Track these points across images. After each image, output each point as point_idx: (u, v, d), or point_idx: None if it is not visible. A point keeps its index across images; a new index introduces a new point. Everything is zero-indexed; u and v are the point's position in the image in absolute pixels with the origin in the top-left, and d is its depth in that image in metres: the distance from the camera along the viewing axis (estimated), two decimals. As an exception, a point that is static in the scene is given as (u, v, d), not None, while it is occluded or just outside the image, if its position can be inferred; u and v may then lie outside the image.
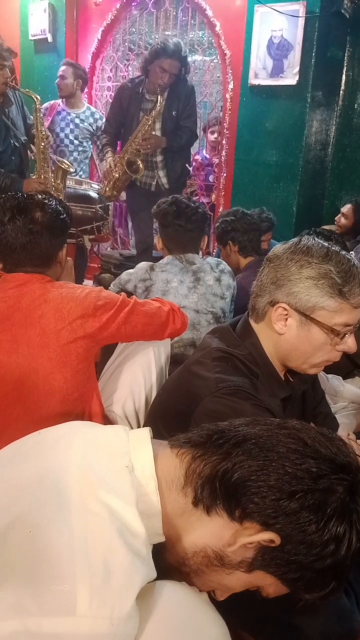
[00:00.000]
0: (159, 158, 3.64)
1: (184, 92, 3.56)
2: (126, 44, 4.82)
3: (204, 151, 4.93)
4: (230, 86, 4.11)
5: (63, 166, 3.31)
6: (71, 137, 4.17)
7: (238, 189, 4.24)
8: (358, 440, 1.34)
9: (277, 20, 3.69)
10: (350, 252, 1.32)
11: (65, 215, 1.58)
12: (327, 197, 4.25)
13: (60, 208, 1.57)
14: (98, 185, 3.80)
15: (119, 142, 3.78)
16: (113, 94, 4.62)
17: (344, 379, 1.99)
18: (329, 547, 0.72)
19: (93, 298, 1.47)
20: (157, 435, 0.89)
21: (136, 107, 3.59)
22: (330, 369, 1.40)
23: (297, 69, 3.68)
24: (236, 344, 1.26)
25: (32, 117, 3.39)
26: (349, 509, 0.74)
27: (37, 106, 3.26)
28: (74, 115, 4.17)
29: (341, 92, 4.05)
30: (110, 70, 4.91)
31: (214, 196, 4.61)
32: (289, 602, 0.81)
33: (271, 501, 0.74)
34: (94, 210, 3.53)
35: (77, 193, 3.53)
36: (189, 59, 3.77)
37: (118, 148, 3.76)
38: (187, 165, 3.83)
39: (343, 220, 3.81)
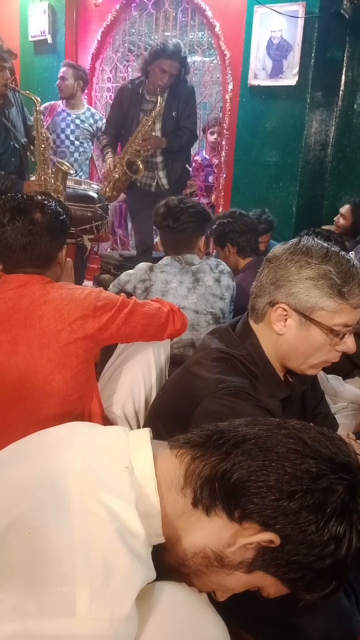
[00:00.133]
0: (159, 159, 3.64)
1: (184, 92, 3.57)
2: (126, 44, 4.82)
3: (204, 152, 4.93)
4: (230, 87, 4.11)
5: (63, 168, 3.32)
6: (72, 137, 4.18)
7: (238, 189, 4.24)
8: (358, 440, 1.35)
9: (277, 20, 3.69)
10: (350, 253, 1.32)
11: (64, 216, 1.58)
12: (327, 198, 4.26)
13: (59, 209, 1.57)
14: (97, 185, 3.81)
15: (119, 144, 3.78)
16: (113, 95, 4.63)
17: (343, 379, 1.99)
18: (329, 547, 0.72)
19: (93, 299, 1.47)
20: (157, 435, 0.89)
21: (136, 108, 3.59)
22: (329, 369, 1.40)
23: (296, 69, 3.68)
24: (236, 345, 1.26)
25: (32, 118, 3.40)
26: (348, 509, 0.73)
27: (38, 108, 3.26)
28: (74, 116, 4.18)
29: (341, 92, 4.05)
30: (110, 71, 4.92)
31: (213, 197, 4.61)
32: (289, 602, 0.81)
33: (271, 501, 0.73)
34: (93, 210, 3.53)
35: (76, 193, 3.53)
36: (189, 59, 3.77)
37: (118, 149, 3.76)
38: (187, 165, 3.83)
39: (342, 221, 3.81)
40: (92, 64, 4.87)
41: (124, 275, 2.21)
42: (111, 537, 0.70)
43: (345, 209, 3.81)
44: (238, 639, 0.94)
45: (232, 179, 4.28)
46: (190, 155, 4.05)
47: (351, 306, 1.16)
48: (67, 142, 4.17)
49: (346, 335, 1.19)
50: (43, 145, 3.30)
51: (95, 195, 3.60)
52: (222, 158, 4.34)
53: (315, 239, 1.22)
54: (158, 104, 3.46)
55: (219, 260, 2.30)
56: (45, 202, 1.54)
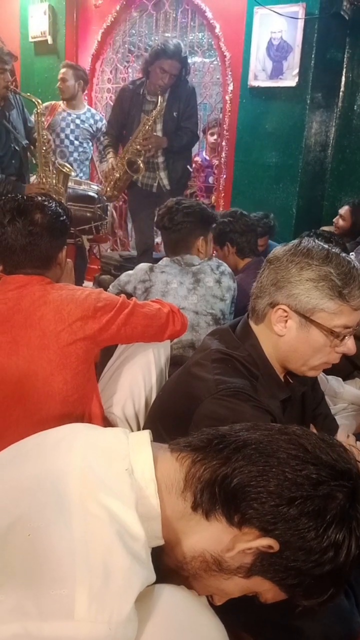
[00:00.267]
0: (161, 159, 3.64)
1: (185, 93, 3.57)
2: (126, 45, 4.82)
3: (204, 153, 4.94)
4: (230, 88, 4.11)
5: (64, 170, 3.32)
6: (71, 137, 4.18)
7: (238, 190, 4.24)
8: (358, 443, 1.34)
9: (277, 22, 3.69)
10: (350, 254, 1.32)
11: (65, 217, 1.58)
12: (327, 199, 4.26)
13: (60, 210, 1.57)
14: (97, 185, 3.81)
15: (120, 145, 3.78)
16: (113, 96, 4.64)
17: (343, 380, 1.99)
18: (328, 553, 0.72)
19: (93, 300, 1.47)
20: (157, 436, 0.89)
21: (137, 108, 3.59)
22: (329, 370, 1.40)
23: (296, 70, 3.68)
24: (236, 346, 1.26)
25: (32, 120, 3.40)
26: (348, 516, 0.73)
27: (38, 110, 3.26)
28: (75, 116, 4.17)
29: (341, 93, 4.05)
30: (110, 72, 4.92)
31: (213, 198, 4.61)
32: (289, 604, 0.81)
33: (270, 507, 0.73)
34: (92, 210, 3.53)
35: (75, 193, 3.53)
36: (189, 60, 3.77)
37: (119, 151, 3.77)
38: (188, 166, 3.83)
39: (341, 222, 3.81)
40: (92, 65, 4.87)
41: (124, 276, 2.21)
42: (111, 538, 0.70)
43: (344, 210, 3.81)
44: (238, 640, 0.94)
45: (232, 180, 4.28)
46: (191, 155, 4.06)
47: (351, 308, 1.16)
48: (66, 142, 4.17)
49: (346, 337, 1.19)
50: (44, 148, 3.30)
51: (95, 196, 3.60)
52: (222, 159, 4.34)
53: (316, 241, 1.22)
54: (159, 104, 3.46)
55: (220, 261, 2.30)
56: (46, 202, 1.54)
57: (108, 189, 3.65)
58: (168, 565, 0.81)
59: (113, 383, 1.65)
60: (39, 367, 1.41)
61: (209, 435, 0.82)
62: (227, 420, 0.88)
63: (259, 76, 3.86)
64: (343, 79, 4.03)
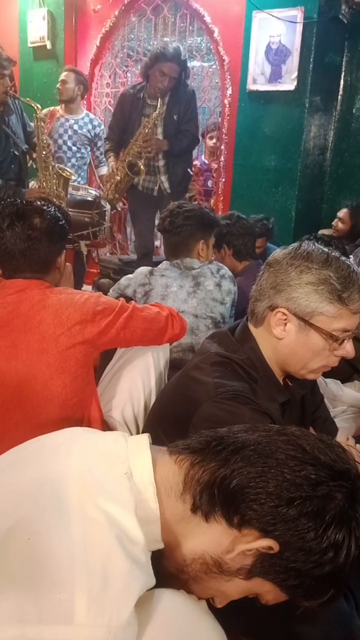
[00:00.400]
0: (161, 163, 3.65)
1: (185, 96, 3.58)
2: (125, 50, 4.84)
3: (203, 156, 4.94)
4: (229, 92, 4.12)
5: (64, 174, 3.32)
6: (69, 143, 4.19)
7: (237, 194, 4.25)
8: (357, 445, 1.34)
9: (275, 26, 3.71)
10: (349, 257, 1.32)
11: (64, 221, 1.59)
12: (326, 202, 4.27)
13: (59, 214, 1.57)
14: (95, 190, 3.81)
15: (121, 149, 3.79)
16: (112, 101, 4.65)
17: (342, 383, 1.99)
18: (328, 554, 0.72)
19: (92, 303, 1.47)
20: (156, 440, 0.89)
21: (138, 113, 3.60)
22: (329, 373, 1.40)
23: (295, 74, 3.69)
24: (235, 349, 1.26)
25: (32, 124, 3.40)
26: (348, 516, 0.73)
27: (38, 115, 3.27)
28: (73, 121, 4.19)
29: (339, 97, 4.07)
30: (109, 77, 4.93)
31: (212, 201, 4.62)
32: (288, 607, 0.81)
33: (270, 508, 0.73)
34: (90, 215, 3.54)
35: (73, 199, 3.54)
36: (188, 65, 3.78)
37: (120, 155, 3.77)
38: (188, 169, 3.84)
39: (340, 225, 3.81)
40: (91, 70, 4.88)
41: (123, 280, 2.21)
42: (110, 543, 0.69)
43: (343, 213, 3.81)
44: (238, 644, 0.94)
45: (231, 183, 4.29)
46: (191, 158, 4.06)
47: (351, 312, 1.16)
48: (64, 148, 4.18)
49: (345, 341, 1.19)
50: (44, 152, 3.30)
51: (93, 201, 3.61)
52: (221, 163, 4.35)
53: (316, 244, 1.22)
54: (159, 107, 3.47)
55: (220, 264, 2.30)
56: (45, 207, 1.55)
57: (109, 192, 3.66)
58: (168, 568, 0.81)
59: (112, 387, 1.65)
60: (38, 371, 1.41)
61: (207, 438, 0.82)
62: (226, 423, 0.88)
63: (258, 80, 3.87)
64: (342, 82, 4.04)
